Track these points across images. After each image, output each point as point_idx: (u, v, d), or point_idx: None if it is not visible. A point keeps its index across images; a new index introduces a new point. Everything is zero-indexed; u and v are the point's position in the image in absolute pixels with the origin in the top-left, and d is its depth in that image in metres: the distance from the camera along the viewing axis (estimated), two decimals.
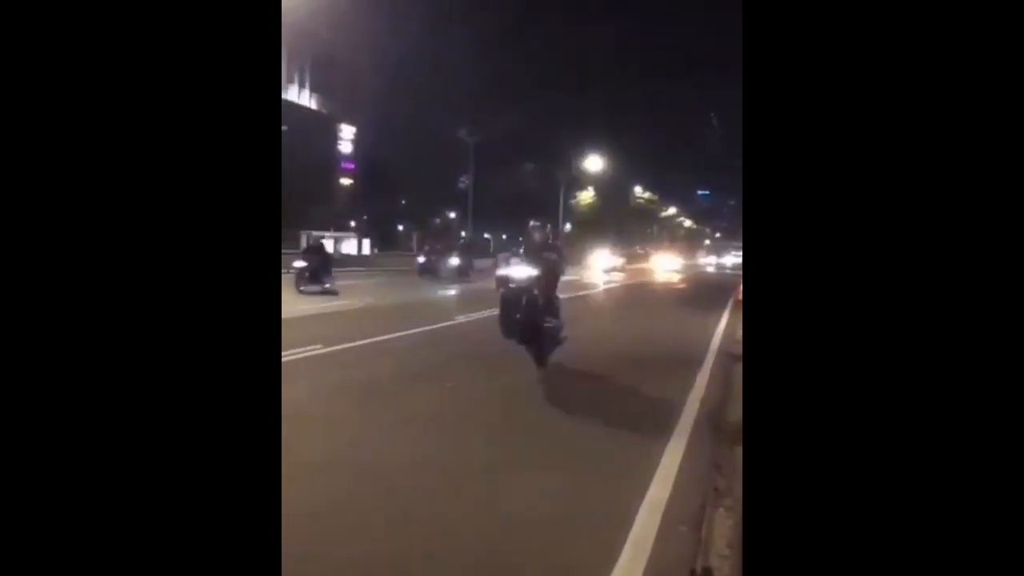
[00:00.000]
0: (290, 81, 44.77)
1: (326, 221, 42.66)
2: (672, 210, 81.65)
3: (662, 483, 3.08)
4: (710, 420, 4.19)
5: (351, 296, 12.51)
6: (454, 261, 19.22)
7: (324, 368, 5.69)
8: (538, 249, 5.69)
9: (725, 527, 2.46)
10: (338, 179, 48.36)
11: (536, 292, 5.44)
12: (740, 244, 34.77)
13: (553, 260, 5.67)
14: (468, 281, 17.46)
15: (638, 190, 65.87)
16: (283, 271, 5.07)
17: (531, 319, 5.41)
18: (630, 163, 58.34)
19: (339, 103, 47.39)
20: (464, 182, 40.86)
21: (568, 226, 47.23)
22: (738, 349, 6.11)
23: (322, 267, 13.11)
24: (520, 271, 5.58)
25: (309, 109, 46.04)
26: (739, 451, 2.88)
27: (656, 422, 4.19)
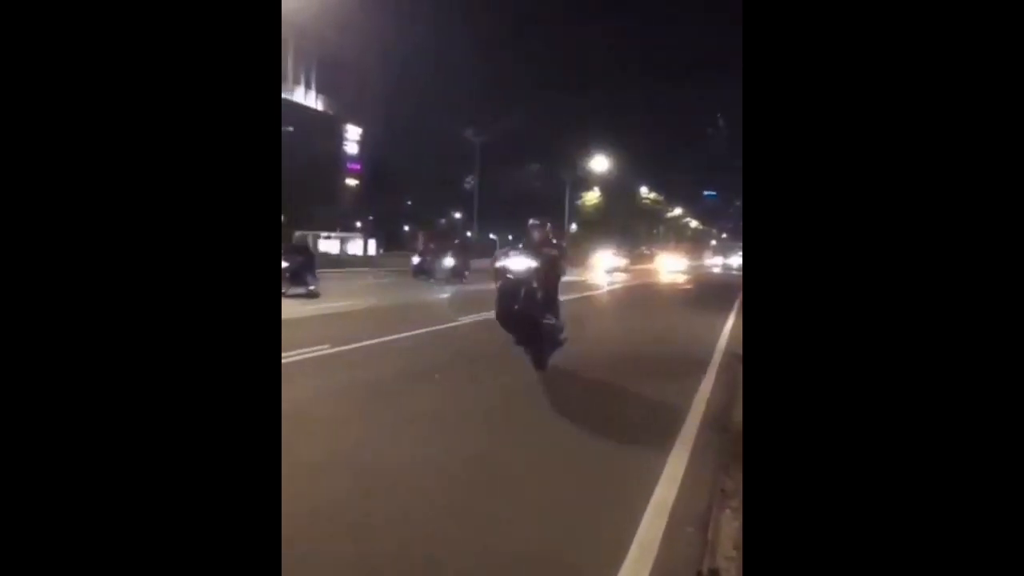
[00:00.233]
0: (296, 82, 44.94)
1: (332, 221, 42.80)
2: (678, 211, 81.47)
3: (668, 484, 3.06)
4: (717, 421, 4.16)
5: (356, 297, 12.52)
6: (449, 262, 18.68)
7: (332, 368, 5.71)
8: (538, 247, 5.59)
9: (732, 528, 2.45)
10: (344, 179, 48.53)
11: (535, 285, 5.33)
12: None
13: (553, 256, 5.56)
14: (464, 282, 17.16)
15: (644, 190, 65.75)
16: None
17: (529, 312, 5.30)
18: (636, 163, 58.37)
19: (345, 104, 47.54)
20: (469, 182, 40.92)
21: (574, 226, 47.21)
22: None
23: (305, 268, 12.14)
24: (519, 263, 5.45)
25: (315, 110, 46.20)
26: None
27: (662, 423, 4.17)
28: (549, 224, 5.91)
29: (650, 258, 38.05)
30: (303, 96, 45.74)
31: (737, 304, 12.43)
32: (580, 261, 27.97)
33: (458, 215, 52.51)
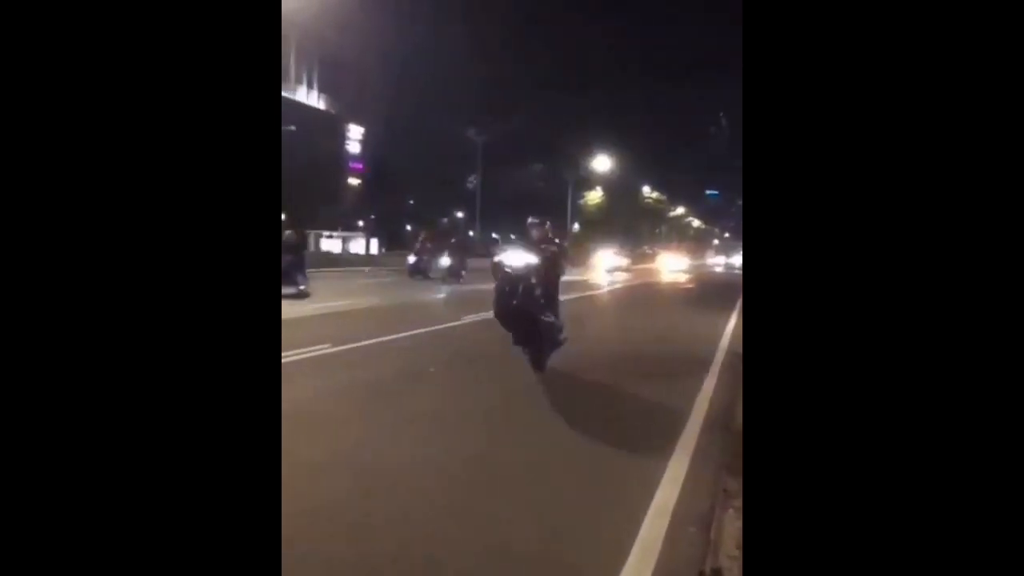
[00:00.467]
0: (298, 81, 45.00)
1: (334, 221, 42.87)
2: (680, 210, 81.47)
3: (670, 484, 3.05)
4: (720, 421, 4.14)
5: (356, 296, 12.54)
6: (444, 261, 18.16)
7: (332, 367, 5.71)
8: (537, 245, 5.50)
9: (735, 528, 2.44)
10: (346, 179, 48.63)
11: (534, 281, 5.24)
12: None
13: (553, 252, 5.48)
14: (461, 282, 16.88)
15: (646, 190, 65.73)
16: None
17: (527, 308, 5.21)
18: (638, 163, 58.42)
19: (347, 104, 47.62)
20: (472, 182, 40.94)
21: (576, 226, 47.22)
22: None
23: (295, 267, 11.59)
24: (517, 258, 5.36)
25: (317, 109, 46.30)
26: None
27: (663, 422, 4.16)
28: (548, 223, 5.83)
29: (652, 257, 38.04)
30: (305, 95, 45.82)
31: (739, 303, 12.40)
32: (582, 261, 27.96)
33: (460, 214, 52.57)
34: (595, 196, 52.66)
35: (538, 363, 5.50)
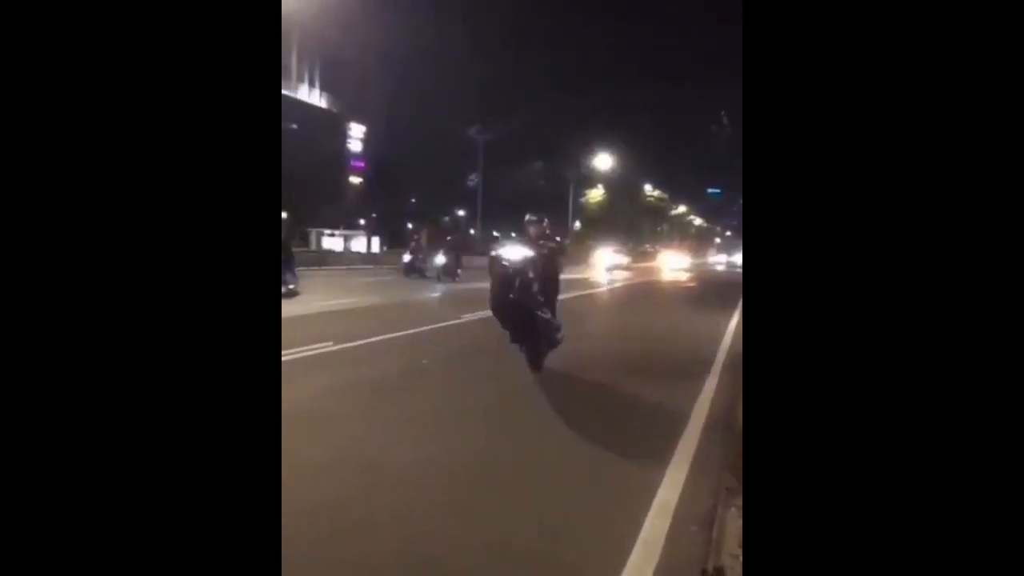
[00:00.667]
0: (300, 80, 45.00)
1: (336, 219, 42.90)
2: (682, 208, 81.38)
3: (672, 483, 3.05)
4: (722, 420, 4.12)
5: (359, 295, 12.54)
6: (439, 260, 18.02)
7: (335, 365, 5.72)
8: (534, 241, 5.41)
9: (737, 527, 2.44)
10: (348, 177, 48.67)
11: (531, 275, 5.14)
12: None
13: (551, 247, 5.41)
14: (457, 281, 16.78)
15: (648, 188, 65.68)
16: None
17: (523, 302, 5.10)
18: (639, 161, 58.36)
19: (349, 102, 47.64)
20: (473, 180, 40.94)
21: (578, 224, 47.20)
22: None
23: (284, 266, 11.25)
24: (515, 251, 5.27)
25: (319, 108, 46.31)
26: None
27: (665, 420, 4.16)
28: (546, 220, 5.72)
29: (653, 256, 38.03)
30: (307, 94, 45.82)
31: (741, 302, 12.35)
32: (582, 259, 27.93)
33: (462, 213, 52.57)
34: (596, 194, 52.65)
35: (535, 362, 5.41)
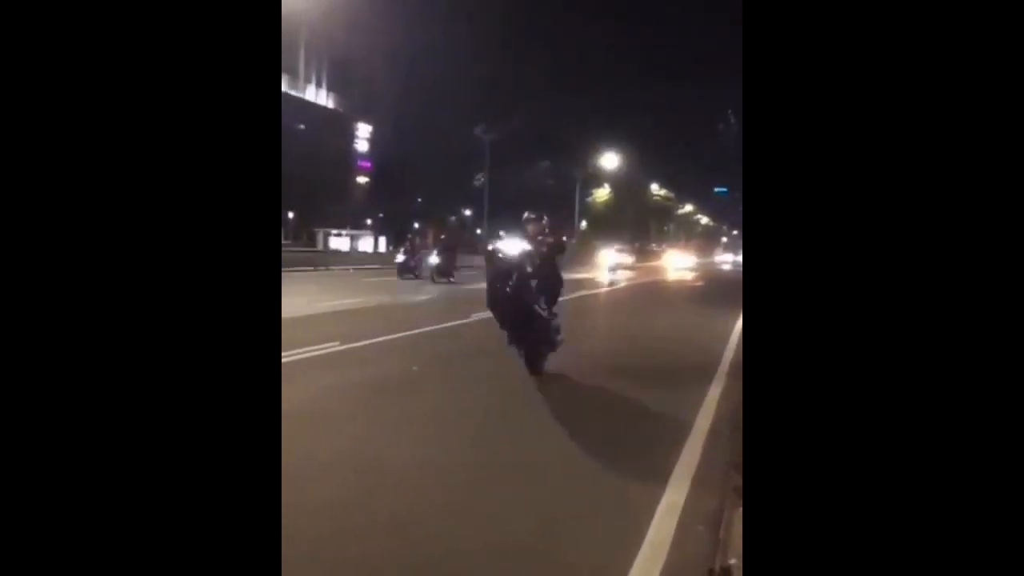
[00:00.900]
0: (307, 80, 45.13)
1: (342, 219, 43.01)
2: (689, 207, 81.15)
3: (679, 483, 3.04)
4: (730, 420, 4.09)
5: (366, 295, 12.56)
6: (433, 260, 17.75)
7: (341, 365, 5.73)
8: (533, 239, 5.29)
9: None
10: (354, 177, 48.81)
11: (529, 270, 4.99)
12: None
13: (550, 243, 5.29)
14: (452, 281, 16.60)
15: (654, 187, 65.53)
16: None
17: (521, 297, 4.95)
18: (646, 161, 58.26)
19: (355, 102, 47.75)
20: (480, 180, 40.94)
21: (584, 223, 47.15)
22: None
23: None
24: (512, 245, 5.15)
25: (326, 108, 46.45)
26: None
27: (668, 419, 4.15)
28: (545, 218, 5.58)
29: (658, 255, 37.95)
30: (314, 94, 45.97)
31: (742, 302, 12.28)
32: (587, 259, 27.88)
33: (468, 212, 52.61)
34: (603, 194, 52.59)
35: (533, 363, 5.22)
